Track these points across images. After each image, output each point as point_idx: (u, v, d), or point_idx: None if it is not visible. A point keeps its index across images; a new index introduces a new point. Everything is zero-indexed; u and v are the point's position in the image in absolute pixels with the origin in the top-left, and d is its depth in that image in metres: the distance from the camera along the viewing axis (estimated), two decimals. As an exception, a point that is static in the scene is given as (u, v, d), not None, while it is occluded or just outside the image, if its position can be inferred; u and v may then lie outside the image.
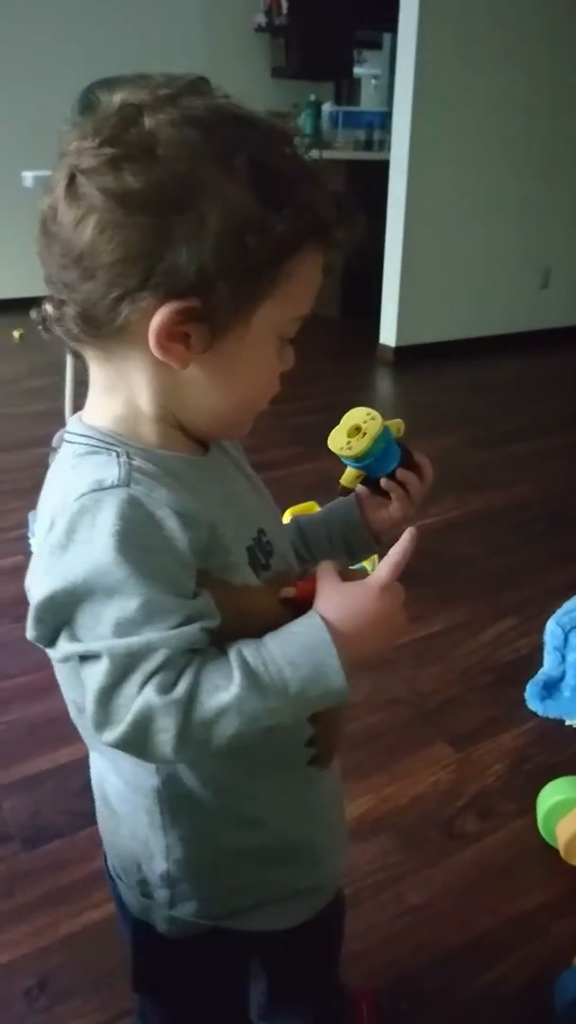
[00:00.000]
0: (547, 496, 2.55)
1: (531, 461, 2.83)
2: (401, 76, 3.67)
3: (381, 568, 0.58)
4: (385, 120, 4.82)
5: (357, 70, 5.68)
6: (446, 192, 3.88)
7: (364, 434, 0.69)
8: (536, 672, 1.64)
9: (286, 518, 2.13)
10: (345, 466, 0.73)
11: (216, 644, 0.54)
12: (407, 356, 4.04)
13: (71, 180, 0.49)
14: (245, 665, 0.52)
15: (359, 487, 0.75)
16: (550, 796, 1.26)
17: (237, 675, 0.51)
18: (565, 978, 1.03)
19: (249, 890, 0.67)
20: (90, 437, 0.55)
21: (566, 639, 1.65)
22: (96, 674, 0.50)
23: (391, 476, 0.72)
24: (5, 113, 4.48)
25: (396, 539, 0.60)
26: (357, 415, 0.71)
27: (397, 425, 0.73)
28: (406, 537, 0.59)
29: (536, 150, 4.08)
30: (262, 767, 0.63)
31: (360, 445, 0.69)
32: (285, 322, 0.56)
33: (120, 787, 0.64)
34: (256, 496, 0.66)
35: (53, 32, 4.56)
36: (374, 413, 0.70)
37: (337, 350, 4.50)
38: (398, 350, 4.05)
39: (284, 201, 0.50)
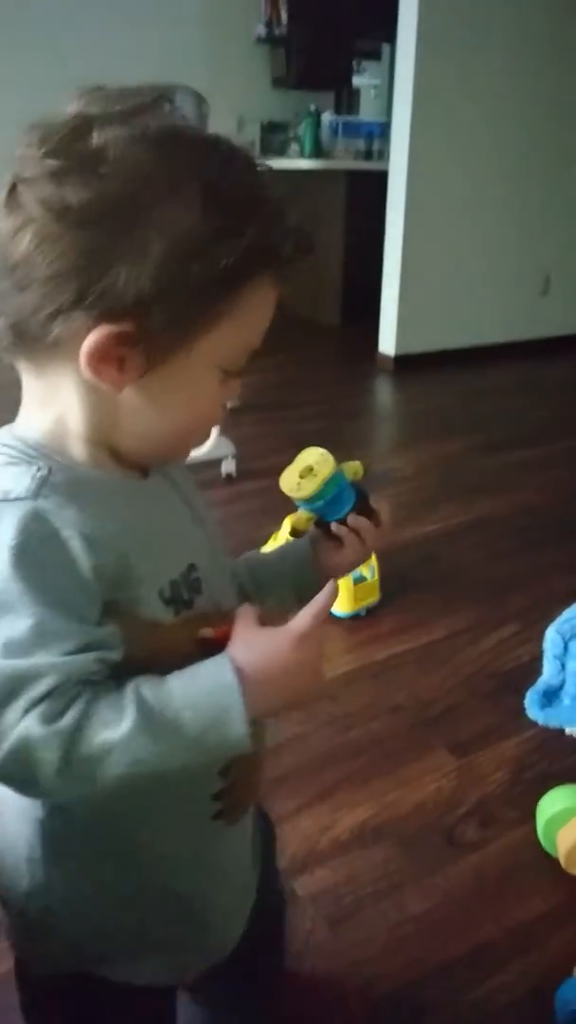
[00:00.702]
0: (548, 503, 2.55)
1: (532, 468, 2.84)
2: (400, 86, 3.69)
3: (301, 616, 0.55)
4: (384, 130, 4.84)
5: (356, 80, 5.70)
6: (445, 201, 3.90)
7: (315, 475, 0.66)
8: (537, 679, 1.64)
9: (285, 527, 2.13)
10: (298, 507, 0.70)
11: (118, 679, 0.50)
12: (407, 364, 4.04)
13: (12, 188, 0.48)
14: (141, 703, 0.49)
15: (312, 530, 0.72)
16: (550, 805, 1.26)
17: (130, 712, 0.48)
18: (565, 988, 1.02)
19: (125, 939, 0.63)
20: (14, 448, 0.52)
21: (566, 647, 1.65)
22: None
23: (344, 521, 0.69)
24: (3, 124, 4.52)
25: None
26: (310, 455, 0.68)
27: (354, 468, 0.70)
28: (328, 588, 0.57)
29: (535, 158, 4.09)
30: (158, 812, 0.59)
31: (309, 486, 0.66)
32: (230, 354, 0.54)
33: (5, 813, 0.61)
34: (196, 529, 0.63)
35: (54, 42, 4.58)
36: (327, 454, 0.67)
37: (337, 358, 4.52)
38: (398, 358, 4.05)
39: (234, 231, 0.48)
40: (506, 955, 1.10)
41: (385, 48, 5.58)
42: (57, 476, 0.50)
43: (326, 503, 0.68)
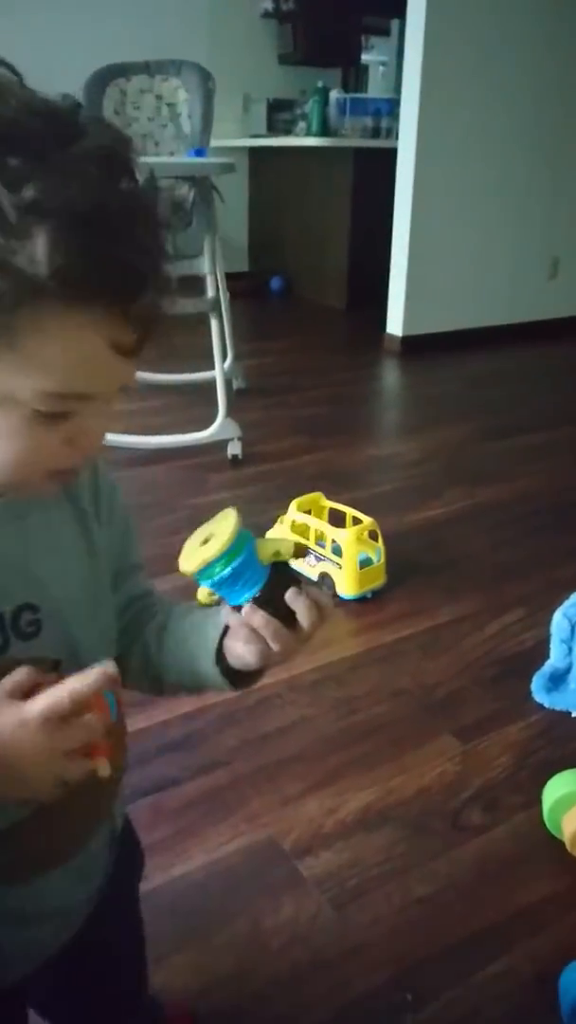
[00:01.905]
0: (554, 488, 2.54)
1: (538, 453, 2.82)
2: (409, 63, 3.64)
3: (41, 697, 0.46)
4: (393, 107, 4.78)
5: (365, 57, 5.63)
6: (453, 181, 3.86)
7: (210, 545, 0.55)
8: (542, 665, 1.63)
9: (292, 510, 2.12)
10: None
11: None
12: (414, 346, 4.02)
13: None
14: None
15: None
16: (556, 789, 1.26)
17: None
18: (570, 972, 1.03)
19: None
20: None
21: (573, 631, 1.65)
22: None
23: (255, 601, 0.56)
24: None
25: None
26: (220, 521, 0.56)
27: (276, 546, 0.56)
28: (95, 671, 0.47)
29: (545, 139, 4.05)
30: None
31: (195, 559, 0.54)
32: (27, 393, 0.44)
33: None
34: (75, 566, 0.57)
35: (56, 16, 4.53)
36: (233, 519, 0.55)
37: (343, 341, 4.49)
38: (405, 340, 4.03)
39: (9, 249, 0.40)
40: (511, 938, 1.11)
41: (394, 24, 5.50)
42: None
43: (218, 582, 0.55)
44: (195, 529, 0.57)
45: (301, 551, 0.55)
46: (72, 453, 0.49)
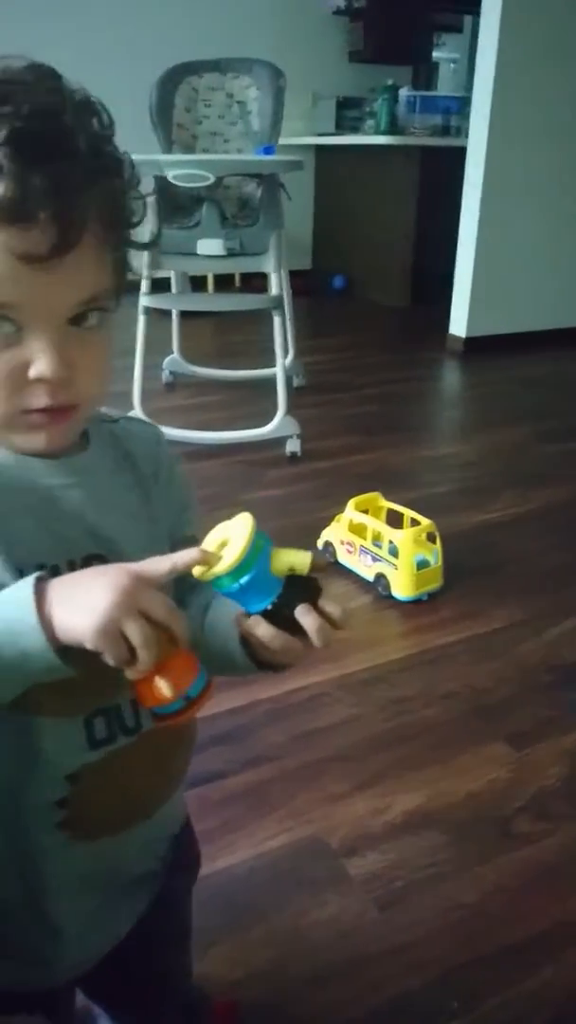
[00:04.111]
0: (617, 494, 2.48)
1: (601, 458, 2.76)
2: (482, 60, 3.59)
3: (148, 562, 0.50)
4: (463, 105, 4.73)
5: (435, 54, 5.58)
6: (524, 179, 3.79)
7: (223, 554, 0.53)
8: (599, 674, 1.60)
9: (349, 509, 2.11)
10: None
11: None
12: (477, 347, 3.97)
13: None
14: None
15: None
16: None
17: None
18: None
19: None
20: None
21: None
22: None
23: (266, 613, 0.55)
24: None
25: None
26: (233, 525, 0.55)
27: (292, 558, 0.55)
28: (189, 552, 0.51)
29: (620, 137, 3.95)
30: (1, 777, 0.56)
31: (219, 566, 0.52)
32: None
33: None
34: (131, 524, 0.59)
35: (126, 13, 4.60)
36: (247, 526, 0.54)
37: (404, 340, 4.46)
38: (468, 340, 3.98)
39: None
40: (557, 948, 1.09)
41: (467, 20, 5.44)
42: None
43: (227, 593, 0.54)
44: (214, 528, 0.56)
45: (320, 566, 0.58)
46: (42, 389, 0.51)
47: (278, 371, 2.64)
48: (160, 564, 0.49)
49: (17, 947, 0.61)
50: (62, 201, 0.47)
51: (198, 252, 2.54)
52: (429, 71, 5.59)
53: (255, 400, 2.97)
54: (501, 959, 1.08)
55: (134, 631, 0.46)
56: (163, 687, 0.49)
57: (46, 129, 0.47)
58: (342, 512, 1.99)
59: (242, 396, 3.16)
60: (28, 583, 0.47)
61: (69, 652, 0.47)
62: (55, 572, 0.52)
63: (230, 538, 0.53)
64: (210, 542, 0.54)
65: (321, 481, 2.48)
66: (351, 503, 1.99)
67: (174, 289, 3.16)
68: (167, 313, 3.20)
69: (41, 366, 0.50)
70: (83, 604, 0.46)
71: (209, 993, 0.95)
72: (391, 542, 1.87)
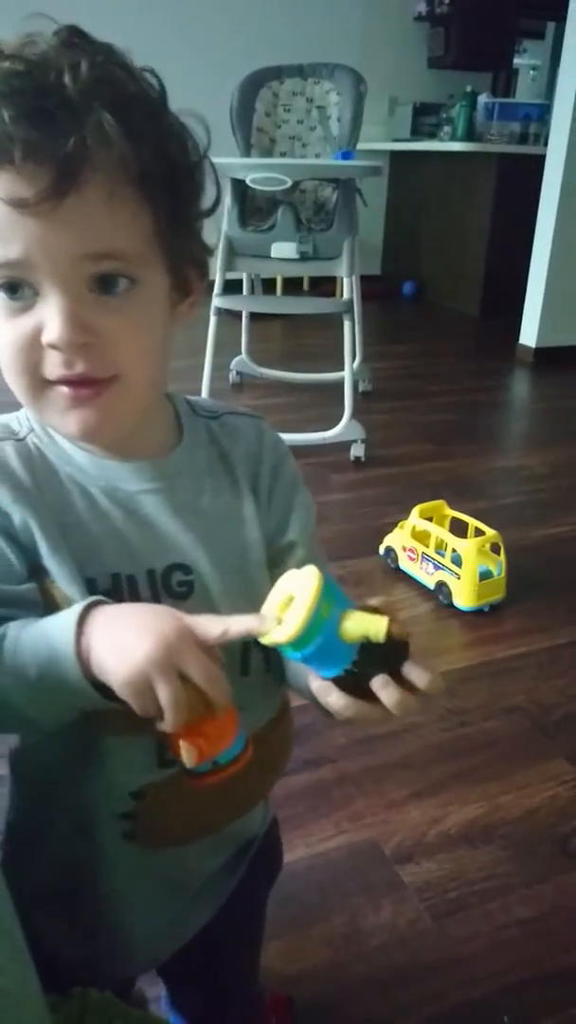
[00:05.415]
0: None
1: None
2: (565, 67, 3.53)
3: (201, 620, 0.47)
4: (542, 113, 4.66)
5: (516, 60, 5.51)
6: (604, 189, 3.71)
7: (287, 619, 0.47)
8: None
9: (414, 516, 2.09)
10: None
11: None
12: (548, 357, 3.90)
13: None
14: None
15: None
16: None
17: None
18: None
19: (37, 885, 0.60)
20: (21, 412, 0.56)
21: None
22: None
23: (341, 679, 0.49)
24: (173, 100, 4.66)
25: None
26: (300, 589, 0.47)
27: (372, 629, 0.47)
28: (249, 619, 0.47)
29: None
30: (74, 793, 0.57)
31: (282, 631, 0.46)
32: None
33: None
34: (222, 536, 0.57)
35: (213, 17, 4.65)
36: (308, 593, 0.46)
37: (474, 349, 4.41)
38: (539, 351, 3.92)
39: None
40: (615, 975, 1.07)
41: (549, 26, 5.36)
42: (6, 443, 0.53)
43: (308, 655, 0.47)
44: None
45: (399, 634, 0.48)
46: (58, 358, 0.47)
47: (346, 375, 2.64)
48: (212, 626, 0.46)
49: (91, 945, 0.63)
50: (43, 140, 0.43)
51: (272, 255, 2.56)
52: (509, 78, 5.53)
53: (320, 404, 2.98)
54: (556, 981, 1.06)
55: (164, 692, 0.44)
56: (186, 751, 0.46)
57: (30, 68, 0.44)
58: (406, 519, 1.99)
59: (308, 399, 3.17)
60: (76, 610, 0.46)
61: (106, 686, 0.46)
62: (131, 582, 0.52)
63: (295, 596, 0.47)
64: (275, 598, 0.49)
65: (385, 487, 2.47)
66: (416, 510, 1.98)
67: (245, 291, 3.19)
68: (236, 314, 3.24)
69: (51, 329, 0.46)
70: (120, 647, 0.44)
71: (265, 986, 0.96)
72: (454, 551, 1.85)
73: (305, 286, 5.13)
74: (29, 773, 0.61)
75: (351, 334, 2.65)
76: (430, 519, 1.97)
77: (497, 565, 1.88)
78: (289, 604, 0.47)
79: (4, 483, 0.51)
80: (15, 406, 0.55)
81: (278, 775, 0.67)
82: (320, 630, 0.46)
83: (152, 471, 0.55)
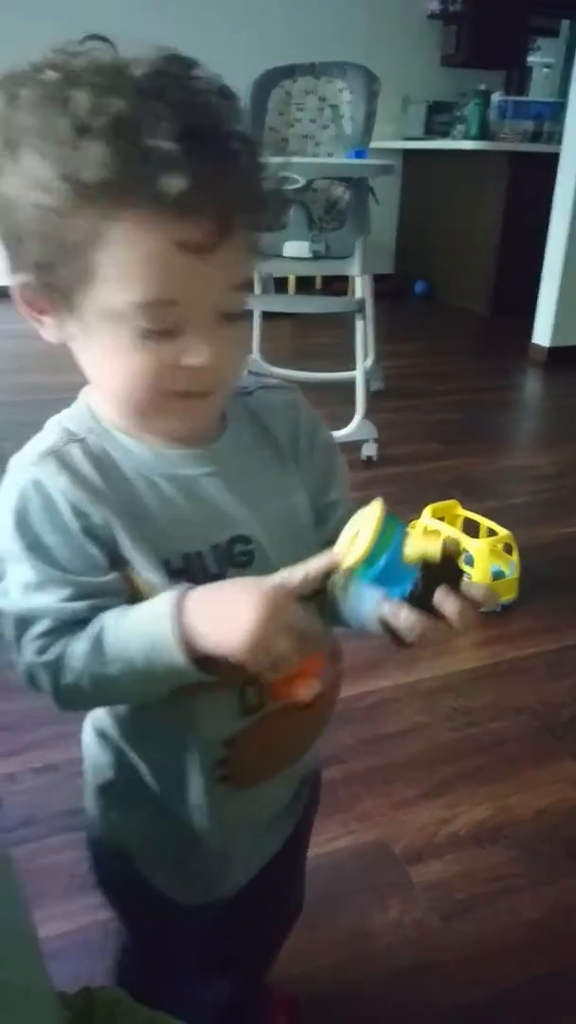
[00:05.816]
0: None
1: None
2: (580, 65, 3.51)
3: (278, 576, 0.52)
4: (556, 111, 4.63)
5: (529, 59, 5.48)
6: (617, 188, 3.69)
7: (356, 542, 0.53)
8: None
9: (425, 516, 2.09)
10: None
11: None
12: (562, 357, 3.88)
13: None
14: (98, 634, 0.54)
15: None
16: None
17: (85, 644, 0.53)
18: None
19: (141, 835, 0.70)
20: (75, 413, 0.59)
21: None
22: (8, 626, 0.56)
23: (406, 599, 0.53)
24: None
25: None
26: (367, 516, 0.54)
27: (429, 550, 0.53)
28: (324, 558, 0.53)
29: None
30: (167, 749, 0.64)
31: (351, 556, 0.53)
32: (124, 307, 0.49)
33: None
34: (274, 506, 0.62)
35: (219, 16, 4.65)
36: (376, 513, 0.53)
37: (485, 348, 4.40)
38: (552, 351, 3.90)
39: (74, 159, 0.45)
40: (623, 978, 1.06)
41: (564, 24, 5.33)
42: (72, 446, 0.56)
43: (377, 574, 0.53)
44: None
45: (451, 552, 0.53)
46: (188, 375, 0.52)
47: (357, 374, 2.64)
48: (294, 575, 0.52)
49: (202, 874, 0.71)
50: (226, 191, 0.48)
51: (284, 254, 2.56)
52: (522, 76, 5.50)
53: (332, 403, 2.97)
54: (564, 982, 1.06)
55: (282, 645, 0.50)
56: (307, 686, 0.55)
57: (207, 123, 0.48)
58: (418, 518, 1.98)
59: (319, 398, 3.13)
60: (168, 600, 0.52)
61: (208, 660, 0.52)
62: (199, 558, 0.57)
63: (360, 529, 0.54)
64: (344, 537, 0.55)
65: (397, 486, 2.47)
66: (427, 510, 1.98)
67: (257, 289, 3.18)
68: (247, 313, 3.23)
69: (199, 355, 0.51)
70: (229, 623, 0.50)
71: (272, 985, 0.96)
72: (467, 551, 1.85)
73: (317, 285, 5.12)
74: (121, 736, 0.66)
75: (363, 333, 2.64)
76: (442, 519, 1.96)
77: (509, 565, 1.87)
78: (354, 539, 0.54)
79: (81, 488, 0.54)
80: (15, 406, 0.56)
81: (339, 692, 0.74)
82: (386, 548, 0.53)
83: (206, 457, 0.60)
